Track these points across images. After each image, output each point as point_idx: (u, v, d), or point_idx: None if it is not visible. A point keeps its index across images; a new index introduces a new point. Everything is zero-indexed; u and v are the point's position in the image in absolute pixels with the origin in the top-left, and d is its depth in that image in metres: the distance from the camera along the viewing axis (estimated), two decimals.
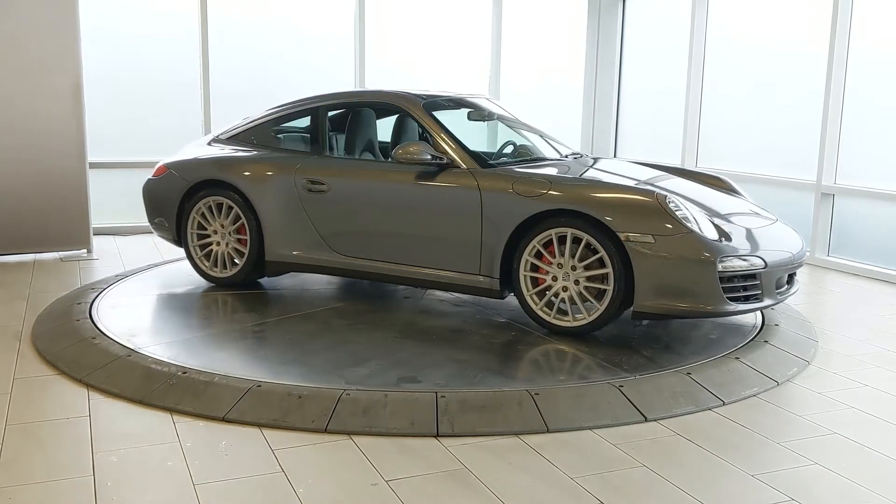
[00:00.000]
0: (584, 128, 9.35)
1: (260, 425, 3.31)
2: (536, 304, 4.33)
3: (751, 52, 7.59)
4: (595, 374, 3.77)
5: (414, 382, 3.63)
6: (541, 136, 5.46)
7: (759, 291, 4.16)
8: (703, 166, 7.82)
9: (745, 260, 4.10)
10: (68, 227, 6.55)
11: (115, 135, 7.51)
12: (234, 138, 5.52)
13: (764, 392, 3.77)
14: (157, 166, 5.58)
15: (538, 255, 4.29)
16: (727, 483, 2.90)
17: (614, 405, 3.48)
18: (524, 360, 4.05)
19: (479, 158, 4.64)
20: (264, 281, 5.44)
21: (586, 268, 4.16)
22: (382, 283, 5.28)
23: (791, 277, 4.52)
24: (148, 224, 5.74)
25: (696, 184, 5.04)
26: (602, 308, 4.15)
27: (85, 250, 6.65)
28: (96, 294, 5.06)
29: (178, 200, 5.33)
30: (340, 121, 5.41)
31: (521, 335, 4.38)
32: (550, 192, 4.25)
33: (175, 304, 4.98)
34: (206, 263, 5.33)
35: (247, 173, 5.11)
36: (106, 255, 6.57)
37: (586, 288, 4.19)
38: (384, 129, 5.52)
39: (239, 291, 5.23)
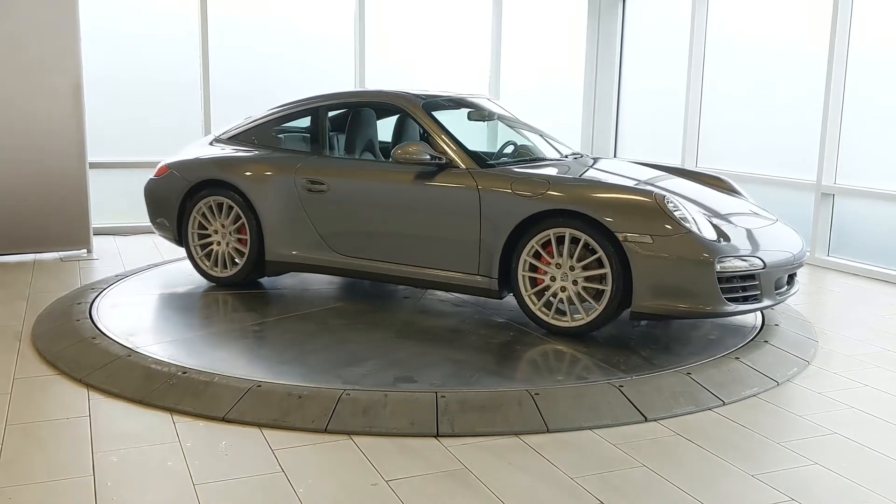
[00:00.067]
0: (584, 128, 9.35)
1: (260, 425, 3.31)
2: (535, 305, 4.33)
3: (751, 52, 7.59)
4: (593, 375, 3.77)
5: (410, 382, 3.64)
6: (541, 135, 5.46)
7: (759, 292, 4.16)
8: (703, 166, 7.82)
9: (744, 260, 4.09)
10: (68, 227, 6.55)
11: (115, 135, 7.52)
12: (236, 138, 5.52)
13: (764, 392, 3.78)
14: (159, 166, 5.58)
15: (537, 256, 4.29)
16: (727, 483, 2.90)
17: (614, 405, 3.48)
18: (522, 361, 4.05)
19: (479, 158, 4.65)
20: (265, 281, 5.45)
21: (585, 268, 4.16)
22: (382, 283, 5.28)
23: (791, 278, 4.51)
24: (148, 224, 5.75)
25: (696, 184, 5.04)
26: (600, 308, 4.15)
27: (85, 250, 6.65)
28: (96, 294, 5.06)
29: (180, 200, 5.33)
30: (341, 121, 5.42)
31: (519, 335, 4.38)
32: (549, 192, 4.24)
33: (175, 304, 4.99)
34: (207, 263, 5.33)
35: (247, 173, 5.12)
36: (106, 255, 6.58)
37: (584, 288, 4.19)
38: (385, 129, 5.53)
39: (239, 291, 5.23)
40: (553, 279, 4.26)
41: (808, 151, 6.82)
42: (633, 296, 4.04)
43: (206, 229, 5.30)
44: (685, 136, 8.09)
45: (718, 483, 2.90)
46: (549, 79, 9.31)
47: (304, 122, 5.41)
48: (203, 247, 5.33)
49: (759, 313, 4.76)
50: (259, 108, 5.66)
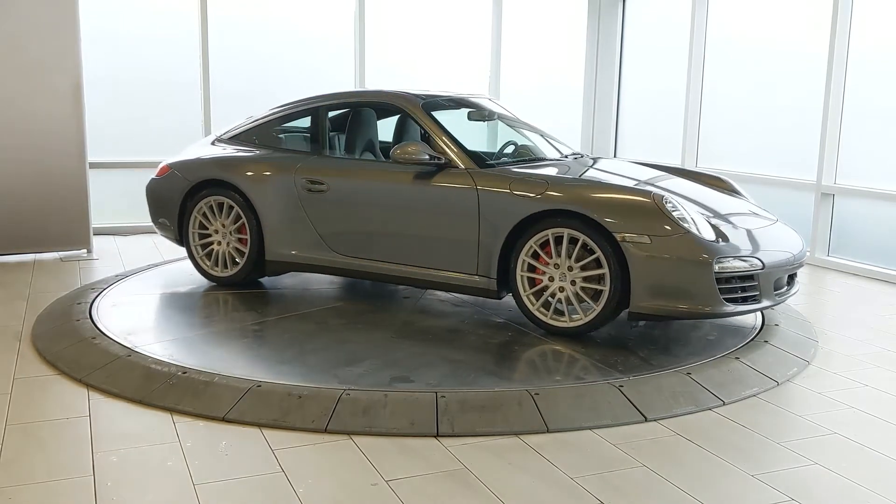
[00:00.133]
0: (584, 128, 9.35)
1: (260, 425, 3.32)
2: (533, 305, 4.33)
3: (751, 52, 7.59)
4: (591, 375, 3.77)
5: (407, 382, 3.64)
6: (541, 135, 5.47)
7: (758, 292, 4.16)
8: (703, 166, 7.82)
9: (743, 261, 4.09)
10: (68, 227, 6.55)
11: (115, 135, 7.52)
12: (237, 138, 5.53)
13: (764, 392, 3.78)
14: (161, 166, 5.59)
15: (535, 256, 4.29)
16: (727, 483, 2.90)
17: (614, 405, 3.49)
18: (520, 361, 4.05)
19: (478, 158, 4.65)
20: (265, 280, 5.45)
21: (583, 268, 4.16)
22: (382, 282, 5.28)
23: (791, 278, 4.51)
24: (148, 224, 5.77)
25: (696, 184, 5.04)
26: (598, 309, 4.15)
27: (85, 250, 6.65)
28: (96, 294, 5.06)
29: (181, 200, 5.34)
30: (341, 121, 5.42)
31: (517, 335, 4.38)
32: (547, 192, 4.24)
33: (175, 304, 4.99)
34: (208, 263, 5.33)
35: (247, 173, 5.12)
36: (106, 255, 6.58)
37: (583, 288, 4.19)
38: (386, 129, 5.53)
39: (239, 291, 5.23)
40: (551, 279, 4.26)
41: (808, 152, 6.82)
42: (632, 296, 4.04)
43: (207, 229, 5.30)
44: (685, 136, 8.10)
45: (718, 483, 2.90)
46: (549, 79, 9.31)
47: (305, 122, 5.42)
48: (204, 246, 5.34)
49: (758, 313, 4.76)
50: (259, 108, 5.67)
